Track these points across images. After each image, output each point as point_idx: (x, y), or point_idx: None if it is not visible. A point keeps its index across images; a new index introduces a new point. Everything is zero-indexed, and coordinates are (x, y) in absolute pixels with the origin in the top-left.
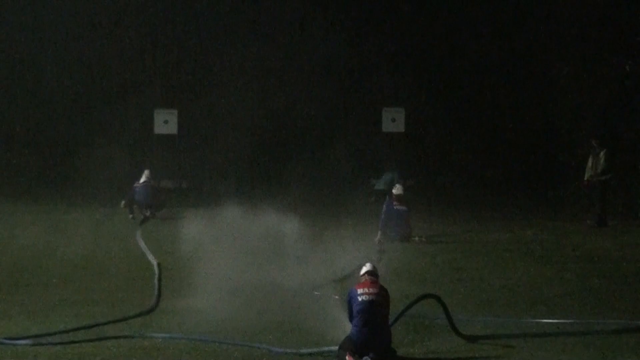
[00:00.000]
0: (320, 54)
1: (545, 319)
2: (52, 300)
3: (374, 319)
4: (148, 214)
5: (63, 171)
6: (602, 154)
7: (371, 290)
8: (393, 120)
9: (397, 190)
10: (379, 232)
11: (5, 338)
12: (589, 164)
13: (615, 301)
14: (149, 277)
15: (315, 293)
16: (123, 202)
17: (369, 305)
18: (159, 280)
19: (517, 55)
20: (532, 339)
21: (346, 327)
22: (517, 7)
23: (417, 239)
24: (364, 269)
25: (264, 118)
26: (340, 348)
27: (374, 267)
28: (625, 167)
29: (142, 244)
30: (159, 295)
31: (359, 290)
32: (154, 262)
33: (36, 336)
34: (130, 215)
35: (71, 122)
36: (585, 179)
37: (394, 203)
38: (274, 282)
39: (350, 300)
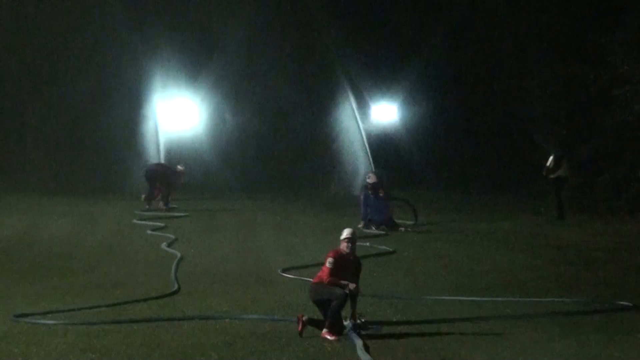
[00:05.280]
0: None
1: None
2: (82, 283)
3: (345, 277)
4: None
5: (89, 169)
6: (551, 156)
7: (346, 255)
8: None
9: (370, 179)
10: (362, 221)
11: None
12: (549, 163)
13: (580, 284)
14: (166, 263)
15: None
16: (143, 196)
17: (343, 266)
18: (177, 267)
19: (496, 67)
20: (507, 319)
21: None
22: (497, 23)
23: (403, 229)
24: (344, 234)
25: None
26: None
27: (353, 233)
28: (588, 168)
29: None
30: (177, 279)
31: (337, 254)
32: (177, 253)
33: (53, 312)
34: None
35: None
36: (544, 174)
37: (369, 192)
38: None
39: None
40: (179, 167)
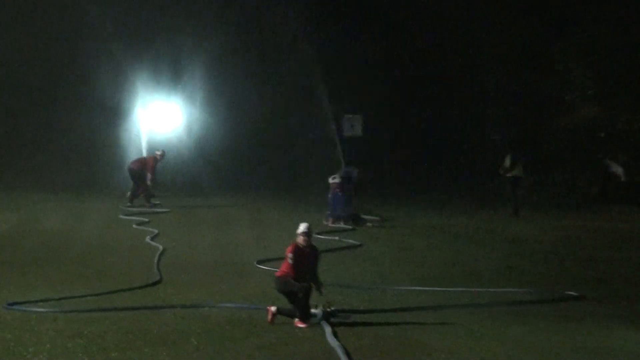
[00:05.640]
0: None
1: (478, 289)
2: (71, 274)
3: (305, 268)
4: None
5: (77, 169)
6: (508, 156)
7: (303, 248)
8: (352, 126)
9: (332, 179)
10: (330, 218)
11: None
12: (505, 162)
13: (531, 275)
14: (149, 255)
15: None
16: (129, 193)
17: (302, 258)
18: (159, 259)
19: (454, 73)
20: (465, 307)
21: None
22: (454, 32)
23: (370, 224)
24: (300, 229)
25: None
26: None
27: (308, 227)
28: (540, 168)
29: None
30: (159, 270)
31: (295, 248)
32: (159, 246)
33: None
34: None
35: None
36: (500, 173)
37: (337, 190)
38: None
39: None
40: (157, 152)
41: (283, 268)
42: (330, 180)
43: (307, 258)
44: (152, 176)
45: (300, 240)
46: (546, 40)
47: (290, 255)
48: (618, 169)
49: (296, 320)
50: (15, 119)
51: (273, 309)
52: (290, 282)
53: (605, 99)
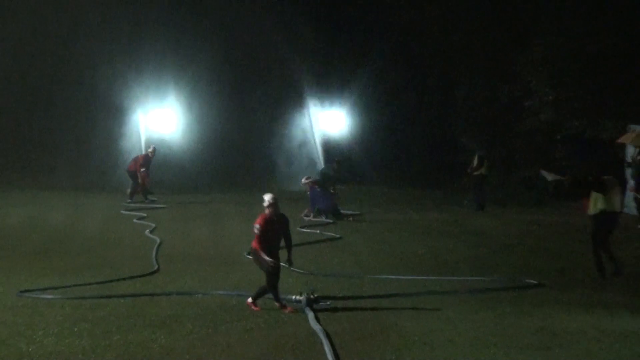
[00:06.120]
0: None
1: (449, 277)
2: (77, 264)
3: (274, 236)
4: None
5: (84, 168)
6: (475, 157)
7: (271, 217)
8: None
9: (306, 180)
10: (311, 213)
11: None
12: (473, 162)
13: (496, 265)
14: (148, 247)
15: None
16: (128, 190)
17: (272, 226)
18: (157, 250)
19: (429, 81)
20: (436, 294)
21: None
22: (430, 45)
23: (351, 219)
24: (265, 201)
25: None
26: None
27: (273, 197)
28: (503, 167)
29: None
30: (157, 260)
31: (264, 219)
32: (157, 239)
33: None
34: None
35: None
36: (468, 172)
37: (315, 187)
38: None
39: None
40: (149, 150)
41: (255, 239)
42: (303, 181)
43: (276, 227)
44: (143, 171)
45: (268, 212)
46: (510, 51)
47: (257, 226)
48: (548, 176)
49: (249, 300)
50: (22, 121)
51: (250, 300)
52: (261, 257)
53: (561, 104)
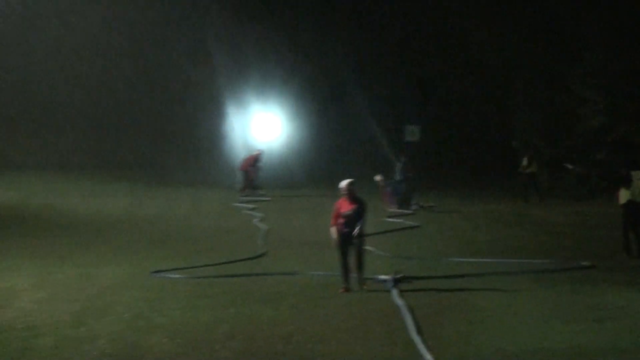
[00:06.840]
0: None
1: (513, 260)
2: (196, 249)
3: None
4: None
5: (199, 166)
6: (525, 157)
7: (345, 199)
8: (413, 133)
9: (379, 178)
10: (395, 205)
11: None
12: (523, 162)
13: (553, 249)
14: (256, 234)
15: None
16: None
17: (346, 207)
18: (264, 237)
19: (486, 87)
20: (503, 275)
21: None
22: (490, 59)
23: (421, 205)
24: (340, 188)
25: None
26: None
27: (349, 182)
28: (558, 166)
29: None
30: (264, 245)
31: (338, 202)
32: (264, 227)
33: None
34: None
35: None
36: (519, 171)
37: (388, 181)
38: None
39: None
40: (257, 152)
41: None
42: (377, 179)
43: (348, 206)
44: (252, 169)
45: (343, 196)
46: (563, 64)
47: (334, 207)
48: (569, 167)
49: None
50: (148, 124)
51: (342, 290)
52: (335, 241)
53: (611, 111)
